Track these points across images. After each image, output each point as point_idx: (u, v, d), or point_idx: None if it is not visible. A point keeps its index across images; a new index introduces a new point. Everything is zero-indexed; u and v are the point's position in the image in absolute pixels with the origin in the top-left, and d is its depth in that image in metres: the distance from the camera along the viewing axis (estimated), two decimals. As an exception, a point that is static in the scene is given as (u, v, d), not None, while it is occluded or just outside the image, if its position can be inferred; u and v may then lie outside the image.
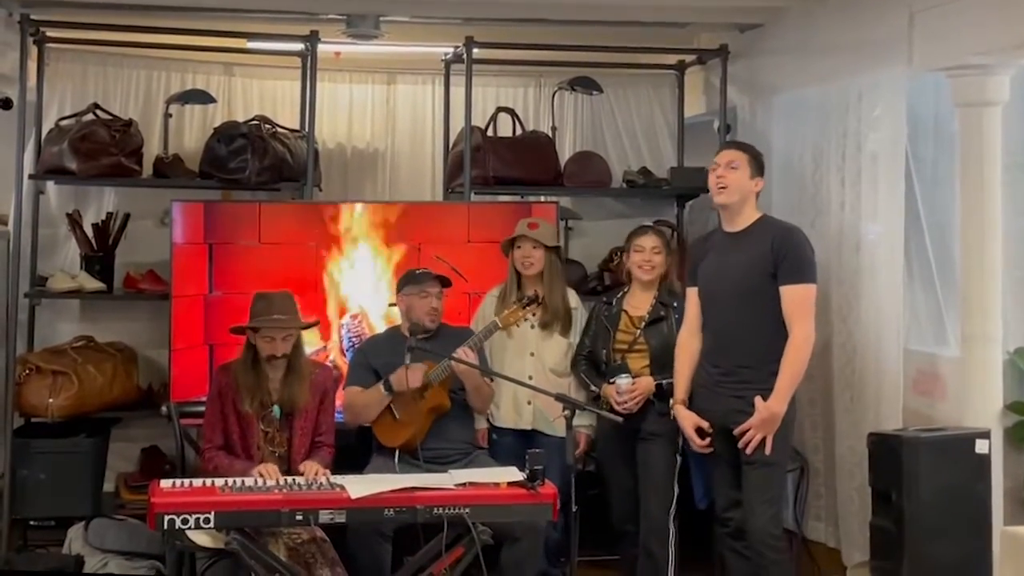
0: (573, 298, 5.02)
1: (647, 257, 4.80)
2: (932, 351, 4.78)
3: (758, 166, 4.42)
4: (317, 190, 5.72)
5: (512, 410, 4.91)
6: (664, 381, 4.63)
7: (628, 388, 4.64)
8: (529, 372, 4.84)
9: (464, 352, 4.58)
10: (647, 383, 4.67)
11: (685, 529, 4.82)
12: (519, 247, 4.91)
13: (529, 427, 4.90)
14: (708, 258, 4.46)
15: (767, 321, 4.27)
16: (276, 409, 4.40)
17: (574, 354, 4.92)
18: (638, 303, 4.83)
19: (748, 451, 4.26)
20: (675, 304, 4.73)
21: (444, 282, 4.77)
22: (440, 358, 4.57)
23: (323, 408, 4.50)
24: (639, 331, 4.77)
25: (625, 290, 4.91)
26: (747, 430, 4.24)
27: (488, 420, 4.94)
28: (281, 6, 5.45)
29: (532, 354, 4.91)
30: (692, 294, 4.53)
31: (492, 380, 4.74)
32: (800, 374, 4.30)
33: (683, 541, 4.79)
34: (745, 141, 4.86)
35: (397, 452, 4.63)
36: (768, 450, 4.23)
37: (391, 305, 4.85)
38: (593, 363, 4.86)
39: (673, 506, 4.70)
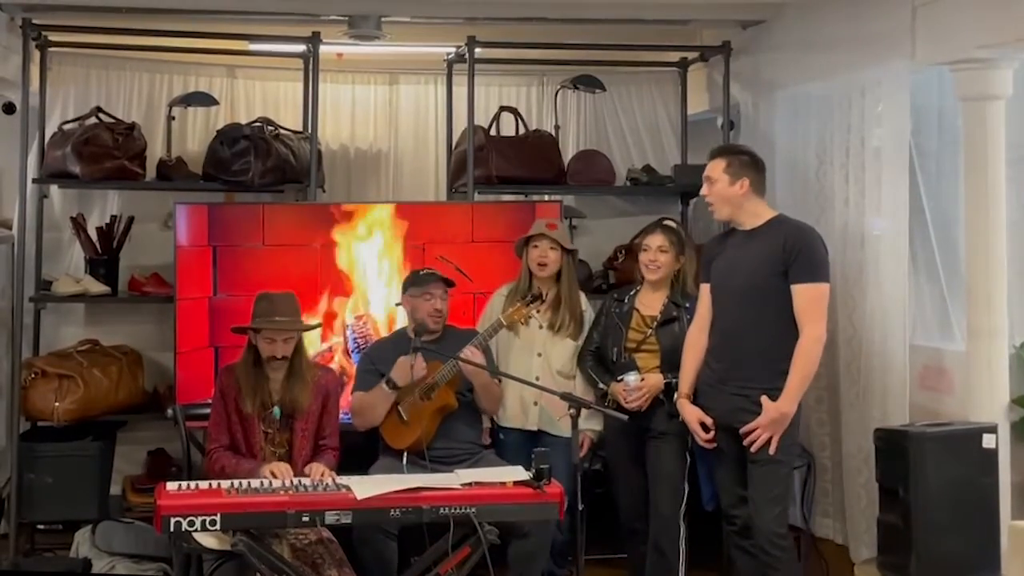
0: (583, 301, 5.00)
1: (652, 256, 4.77)
2: (938, 346, 4.77)
3: (738, 167, 4.36)
4: (320, 191, 5.73)
5: (519, 410, 4.89)
6: (674, 380, 4.60)
7: (636, 385, 4.62)
8: (536, 373, 4.81)
9: (471, 351, 4.57)
10: (656, 380, 4.65)
11: (695, 527, 4.80)
12: (535, 246, 4.86)
13: (535, 427, 4.88)
14: (722, 255, 4.46)
15: (773, 319, 4.26)
16: (276, 410, 4.40)
17: (581, 350, 4.89)
18: (650, 302, 4.80)
19: (753, 450, 4.25)
20: (687, 305, 4.70)
21: (448, 283, 4.75)
22: (444, 357, 4.56)
23: (326, 411, 4.48)
24: (651, 331, 4.74)
25: (637, 288, 4.88)
26: (754, 429, 4.24)
27: (491, 419, 4.93)
28: (283, 8, 5.44)
29: (539, 355, 4.88)
30: (705, 290, 4.52)
31: (499, 380, 4.73)
32: (811, 375, 4.29)
33: (693, 539, 4.78)
34: (728, 144, 4.74)
35: (405, 454, 4.62)
36: (772, 450, 4.23)
37: (397, 304, 4.84)
38: (600, 359, 4.83)
39: (683, 504, 4.69)
